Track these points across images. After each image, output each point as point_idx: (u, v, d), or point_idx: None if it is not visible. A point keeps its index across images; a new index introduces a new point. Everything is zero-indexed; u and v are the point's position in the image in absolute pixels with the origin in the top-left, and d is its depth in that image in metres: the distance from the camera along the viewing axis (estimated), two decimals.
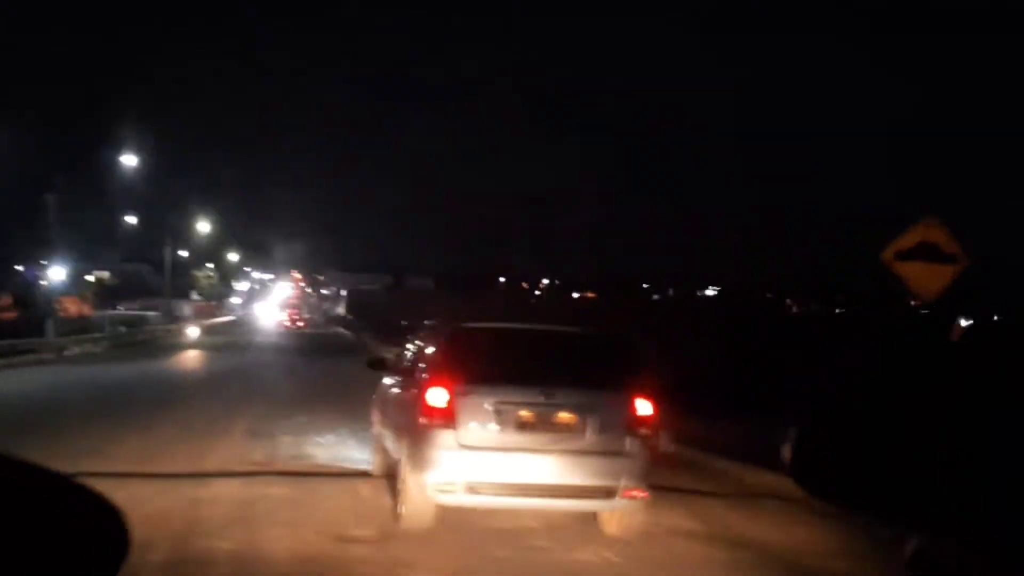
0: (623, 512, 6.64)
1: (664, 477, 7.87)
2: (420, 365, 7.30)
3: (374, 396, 9.24)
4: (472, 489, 6.34)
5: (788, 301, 72.90)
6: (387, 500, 7.47)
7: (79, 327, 33.17)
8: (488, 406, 6.44)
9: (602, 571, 6.19)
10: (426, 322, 8.53)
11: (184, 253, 72.76)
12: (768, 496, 8.29)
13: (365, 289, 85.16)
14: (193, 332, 47.66)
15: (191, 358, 29.15)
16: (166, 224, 56.56)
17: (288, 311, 73.09)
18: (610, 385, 6.73)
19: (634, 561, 6.30)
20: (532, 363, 6.77)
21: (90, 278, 64.91)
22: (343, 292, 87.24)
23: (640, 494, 6.48)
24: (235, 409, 13.78)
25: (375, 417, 8.94)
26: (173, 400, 15.86)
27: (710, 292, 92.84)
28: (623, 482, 6.42)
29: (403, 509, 6.65)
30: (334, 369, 23.40)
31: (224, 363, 27.29)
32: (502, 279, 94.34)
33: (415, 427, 6.59)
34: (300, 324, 65.12)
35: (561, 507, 6.68)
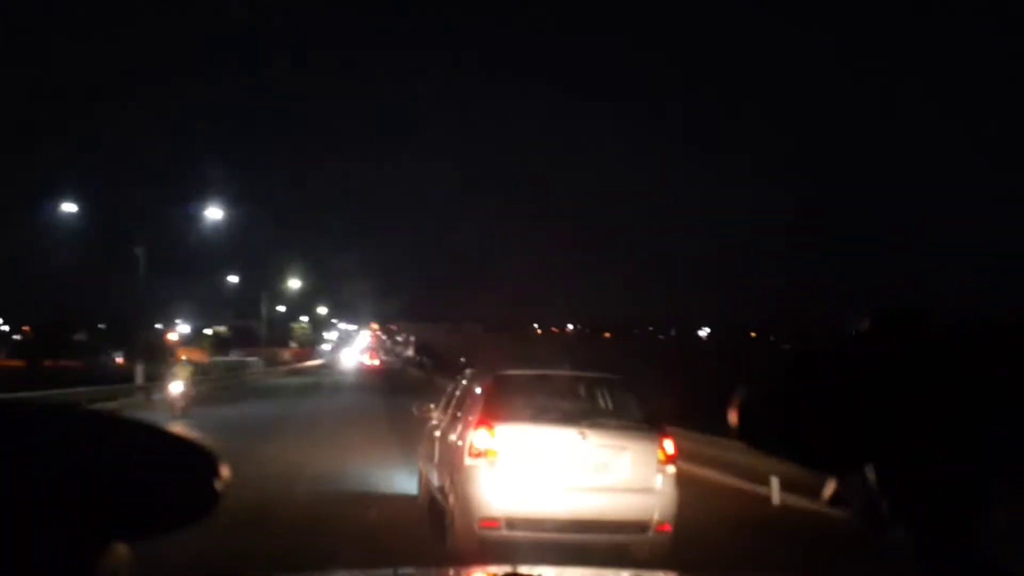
0: (653, 542, 6.50)
1: None
2: (463, 408, 7.28)
3: (424, 434, 8.89)
4: (512, 525, 6.30)
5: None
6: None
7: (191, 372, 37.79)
8: (528, 446, 6.45)
9: None
10: (467, 371, 8.71)
11: (281, 308, 78.82)
12: (722, 456, 10.31)
13: (430, 335, 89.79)
14: (286, 374, 51.54)
15: (274, 401, 27.29)
16: (263, 283, 62.19)
17: (368, 354, 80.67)
18: (639, 425, 6.74)
19: None
20: (567, 405, 6.83)
21: (208, 332, 71.14)
22: (412, 338, 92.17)
23: (669, 528, 6.44)
24: (285, 481, 9.94)
25: (423, 450, 8.84)
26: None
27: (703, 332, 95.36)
28: (656, 517, 6.38)
29: (450, 544, 6.63)
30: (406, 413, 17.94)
31: (303, 406, 25.31)
32: (535, 324, 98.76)
33: (461, 467, 6.54)
34: (377, 364, 73.99)
35: (597, 541, 6.46)
